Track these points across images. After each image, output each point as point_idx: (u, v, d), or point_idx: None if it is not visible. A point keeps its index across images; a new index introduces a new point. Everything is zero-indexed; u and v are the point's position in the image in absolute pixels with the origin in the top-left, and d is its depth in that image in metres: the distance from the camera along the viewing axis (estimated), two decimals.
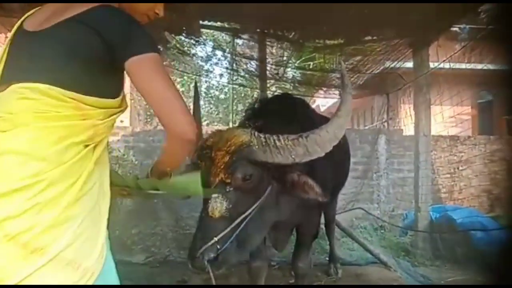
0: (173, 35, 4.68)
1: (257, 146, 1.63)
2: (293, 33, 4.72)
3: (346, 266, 3.89)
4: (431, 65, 4.39)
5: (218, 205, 1.60)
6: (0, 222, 0.98)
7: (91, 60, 1.10)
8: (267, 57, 5.33)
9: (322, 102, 11.87)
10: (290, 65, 5.91)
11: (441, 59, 4.37)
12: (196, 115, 2.01)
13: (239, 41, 5.60)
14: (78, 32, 1.08)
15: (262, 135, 1.66)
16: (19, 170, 1.02)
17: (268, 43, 5.14)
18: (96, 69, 1.11)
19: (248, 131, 1.70)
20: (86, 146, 1.12)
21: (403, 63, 4.73)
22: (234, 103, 8.50)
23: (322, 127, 1.68)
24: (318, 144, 1.64)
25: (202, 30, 4.89)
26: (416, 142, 4.46)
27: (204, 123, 9.06)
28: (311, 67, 5.97)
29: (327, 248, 3.97)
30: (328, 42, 4.98)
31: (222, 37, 6.46)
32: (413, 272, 3.70)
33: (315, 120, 3.02)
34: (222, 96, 10.74)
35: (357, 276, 3.65)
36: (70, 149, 1.08)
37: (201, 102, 11.21)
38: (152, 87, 1.12)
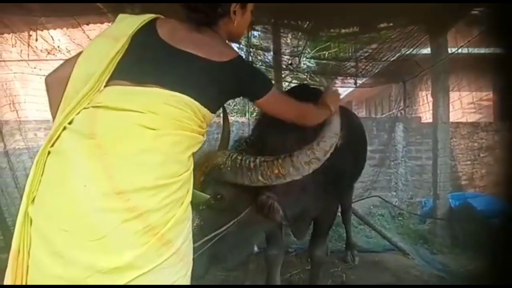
0: None
1: (229, 168, 1.66)
2: (307, 23, 4.70)
3: (363, 253, 3.91)
4: (449, 50, 4.31)
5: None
6: (143, 214, 1.06)
7: (224, 93, 1.37)
8: (282, 48, 5.32)
9: (340, 91, 11.75)
10: (305, 55, 5.88)
11: (460, 44, 4.28)
12: (225, 130, 2.08)
13: (254, 33, 5.60)
14: (222, 76, 1.30)
15: (239, 157, 1.67)
16: (163, 168, 1.13)
17: (282, 34, 5.13)
18: (224, 99, 1.42)
19: (227, 153, 1.72)
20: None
21: (419, 50, 4.64)
22: None
23: (303, 148, 1.67)
24: (294, 166, 1.62)
25: None
26: (434, 129, 4.40)
27: (221, 115, 9.14)
28: (326, 56, 5.93)
29: (345, 235, 4.00)
30: (343, 30, 4.93)
31: None
32: (431, 260, 3.69)
33: None
34: None
35: (374, 263, 3.67)
36: (191, 157, 1.26)
37: None
38: (281, 112, 1.52)
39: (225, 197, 1.70)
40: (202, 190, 1.61)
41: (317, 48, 6.05)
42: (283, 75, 5.48)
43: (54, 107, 1.24)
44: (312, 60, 6.20)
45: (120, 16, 1.35)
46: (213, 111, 1.31)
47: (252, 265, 3.49)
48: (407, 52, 4.69)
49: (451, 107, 4.41)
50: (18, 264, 1.06)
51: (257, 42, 5.68)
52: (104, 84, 1.22)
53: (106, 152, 1.07)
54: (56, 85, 1.24)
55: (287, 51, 5.34)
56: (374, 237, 4.42)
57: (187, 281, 1.20)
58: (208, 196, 1.61)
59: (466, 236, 3.94)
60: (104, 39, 1.28)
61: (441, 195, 4.23)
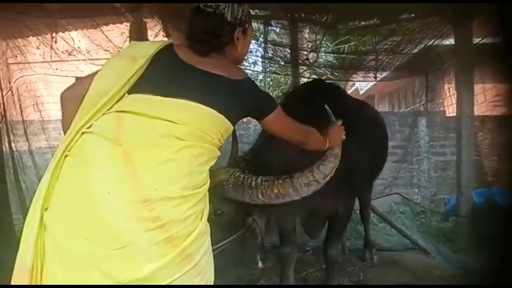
0: None
1: (231, 185, 1.69)
2: (325, 16, 4.62)
3: (383, 252, 3.83)
4: (475, 40, 4.12)
5: None
6: (166, 224, 1.06)
7: (241, 108, 1.37)
8: (301, 42, 5.25)
9: (361, 84, 11.53)
10: (324, 49, 5.79)
11: (485, 33, 4.08)
12: (234, 150, 2.17)
13: (272, 28, 5.54)
14: (239, 92, 1.34)
15: (242, 175, 1.71)
16: (188, 179, 1.14)
17: (300, 28, 5.06)
18: (241, 114, 1.41)
19: (231, 170, 1.76)
20: None
21: (442, 41, 4.47)
22: (268, 90, 8.49)
23: (304, 170, 1.71)
24: (294, 187, 1.67)
25: None
26: (458, 123, 4.24)
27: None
28: (346, 50, 5.81)
29: (364, 233, 3.93)
30: (362, 23, 4.82)
31: (256, 25, 6.43)
32: (454, 259, 3.58)
33: (349, 106, 2.98)
34: (257, 83, 10.69)
35: (393, 262, 3.59)
36: (208, 171, 1.27)
37: None
38: (286, 132, 1.55)
39: (225, 213, 1.72)
40: None
41: (336, 42, 5.93)
42: (301, 71, 5.40)
43: (67, 122, 1.25)
44: (331, 54, 6.10)
45: (132, 42, 1.41)
46: (234, 124, 1.35)
47: (269, 263, 3.48)
48: (429, 44, 4.53)
49: (476, 100, 4.23)
50: (32, 281, 1.03)
51: (274, 37, 5.61)
52: (123, 96, 1.25)
53: (133, 159, 1.07)
54: (71, 101, 1.26)
55: (305, 45, 5.26)
56: (394, 235, 4.31)
57: None
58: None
59: (490, 234, 3.79)
60: (121, 59, 1.32)
61: (465, 192, 4.07)
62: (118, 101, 1.22)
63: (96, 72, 1.29)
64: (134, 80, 1.25)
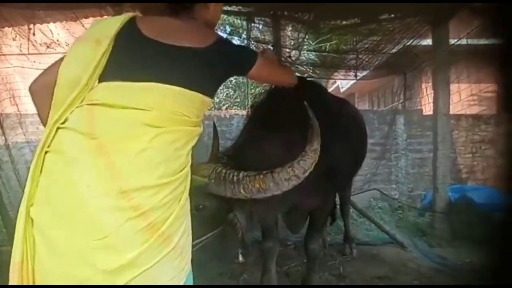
0: None
1: (213, 180, 1.71)
2: (307, 15, 4.66)
3: (362, 246, 3.92)
4: (452, 41, 4.26)
5: None
6: (145, 212, 1.06)
7: (217, 75, 1.35)
8: (283, 40, 5.28)
9: (342, 83, 11.69)
10: (306, 47, 5.85)
11: (461, 35, 4.23)
12: (215, 145, 2.14)
13: (255, 25, 5.56)
14: (211, 59, 1.29)
15: (224, 171, 1.73)
16: (164, 167, 1.13)
17: (283, 26, 5.09)
18: (218, 80, 1.39)
19: (213, 166, 1.78)
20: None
21: (420, 41, 4.60)
22: (250, 88, 8.49)
23: (284, 166, 1.74)
24: (275, 182, 1.70)
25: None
26: (434, 121, 4.38)
27: (223, 107, 9.18)
28: (327, 48, 5.89)
29: (344, 228, 4.01)
30: (343, 22, 4.89)
31: (239, 22, 6.44)
32: (430, 253, 3.70)
33: (330, 104, 3.03)
34: (240, 80, 10.70)
35: (372, 256, 3.69)
36: (189, 152, 1.25)
37: (220, 87, 11.30)
38: (275, 78, 1.71)
39: (207, 208, 1.74)
40: None
41: (318, 40, 6.00)
42: None
43: (43, 114, 1.22)
44: (313, 52, 6.16)
45: (95, 20, 1.37)
46: (210, 95, 1.31)
47: (251, 258, 3.52)
48: (408, 44, 4.65)
49: (452, 99, 4.37)
50: (23, 275, 1.04)
51: (257, 34, 5.64)
52: (94, 86, 1.20)
53: (109, 152, 1.07)
54: (41, 92, 1.22)
55: (287, 43, 5.31)
56: (373, 230, 4.42)
57: (184, 276, 1.20)
58: (206, 180, 1.69)
59: (464, 229, 3.94)
60: (85, 43, 1.25)
61: (441, 188, 4.22)
62: (89, 91, 1.19)
63: (62, 59, 1.24)
64: (102, 67, 1.20)
